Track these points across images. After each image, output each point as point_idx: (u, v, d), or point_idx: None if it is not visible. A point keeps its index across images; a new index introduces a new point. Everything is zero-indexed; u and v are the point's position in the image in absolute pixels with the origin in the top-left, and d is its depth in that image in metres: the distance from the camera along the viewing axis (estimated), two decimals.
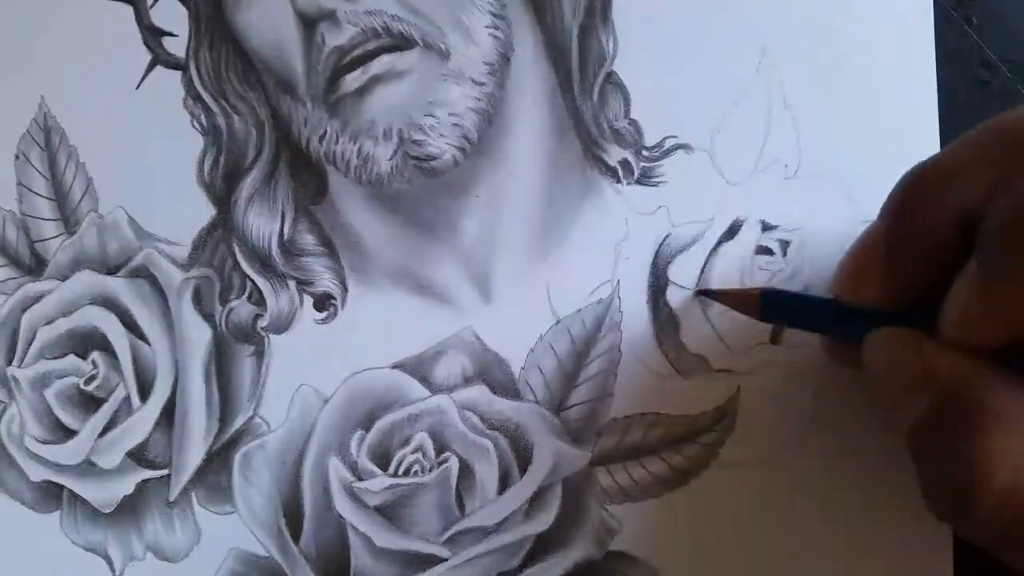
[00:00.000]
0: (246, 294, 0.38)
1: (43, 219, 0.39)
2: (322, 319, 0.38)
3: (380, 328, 0.38)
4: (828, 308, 0.33)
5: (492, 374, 0.38)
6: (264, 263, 0.38)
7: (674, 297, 0.37)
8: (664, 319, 0.37)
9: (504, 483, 0.38)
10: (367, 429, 0.38)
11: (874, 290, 0.31)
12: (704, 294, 0.37)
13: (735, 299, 0.35)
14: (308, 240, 0.38)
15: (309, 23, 0.37)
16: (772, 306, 0.34)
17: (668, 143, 0.37)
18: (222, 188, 0.38)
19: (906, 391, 0.28)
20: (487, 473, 0.38)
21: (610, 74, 0.37)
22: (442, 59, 0.37)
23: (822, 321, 0.33)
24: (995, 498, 0.25)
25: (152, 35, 0.38)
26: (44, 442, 0.39)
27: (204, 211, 0.39)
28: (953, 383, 0.27)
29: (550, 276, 0.38)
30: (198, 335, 0.39)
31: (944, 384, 0.27)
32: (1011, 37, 0.37)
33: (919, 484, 0.28)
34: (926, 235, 0.29)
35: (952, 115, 0.37)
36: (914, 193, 0.30)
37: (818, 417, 0.37)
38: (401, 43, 0.37)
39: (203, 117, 0.38)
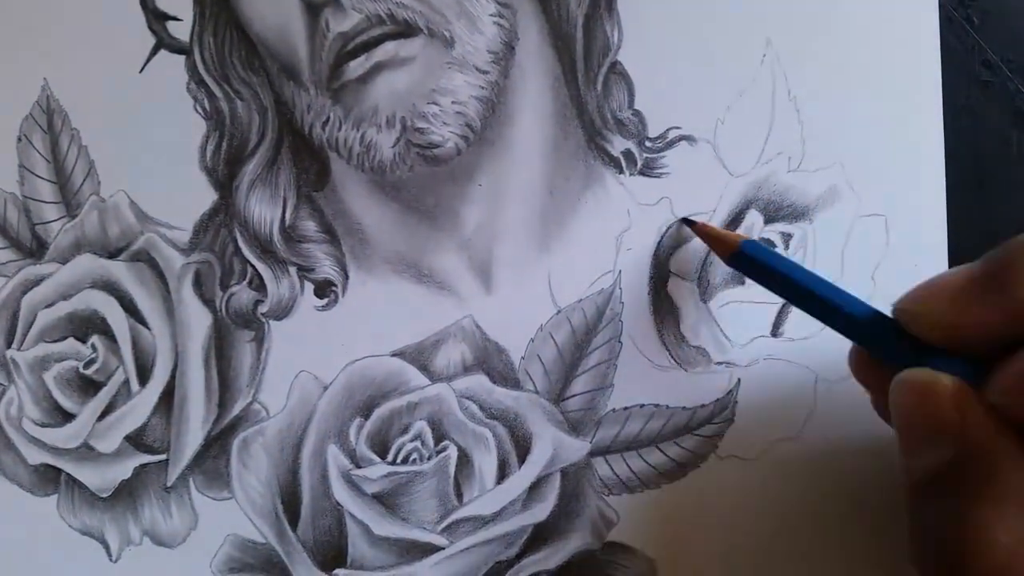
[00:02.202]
0: (247, 280, 0.38)
1: (44, 202, 0.39)
2: (323, 306, 0.38)
3: (380, 315, 0.38)
4: (855, 309, 0.31)
5: (492, 363, 0.38)
6: (265, 249, 0.38)
7: (675, 288, 0.37)
8: (665, 310, 0.37)
9: (502, 472, 0.37)
10: (366, 416, 0.38)
11: (943, 329, 0.28)
12: (685, 222, 0.37)
13: (712, 236, 0.35)
14: (309, 226, 0.38)
15: (313, 9, 0.37)
16: (745, 259, 0.34)
17: (671, 134, 0.37)
18: (224, 173, 0.38)
19: (928, 439, 0.27)
20: (486, 462, 0.37)
21: (614, 64, 0.37)
22: (446, 47, 0.37)
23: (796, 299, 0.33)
24: (985, 573, 0.24)
25: (156, 18, 0.38)
26: (42, 425, 0.39)
27: (206, 196, 0.38)
28: (980, 446, 0.26)
29: (551, 265, 0.38)
30: (198, 320, 0.39)
31: (971, 445, 0.26)
32: (1011, 37, 0.37)
33: (909, 541, 0.27)
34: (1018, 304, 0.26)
35: (953, 115, 0.37)
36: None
37: (817, 411, 0.37)
38: (405, 30, 0.37)
39: (206, 102, 0.38)
